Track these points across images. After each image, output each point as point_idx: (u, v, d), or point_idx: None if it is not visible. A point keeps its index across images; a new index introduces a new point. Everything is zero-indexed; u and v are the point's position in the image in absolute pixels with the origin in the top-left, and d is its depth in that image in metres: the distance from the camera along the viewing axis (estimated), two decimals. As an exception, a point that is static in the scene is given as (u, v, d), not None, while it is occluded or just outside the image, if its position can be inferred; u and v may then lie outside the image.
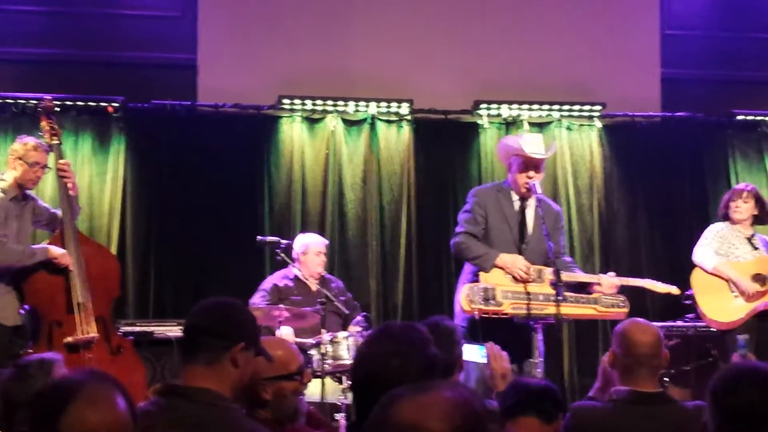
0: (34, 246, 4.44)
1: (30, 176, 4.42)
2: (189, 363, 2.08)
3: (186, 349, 2.11)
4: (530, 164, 4.46)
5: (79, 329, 4.29)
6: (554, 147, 4.97)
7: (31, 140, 4.47)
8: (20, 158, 4.38)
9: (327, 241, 5.48)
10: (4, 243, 4.25)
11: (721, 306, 4.94)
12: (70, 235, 4.43)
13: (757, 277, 4.95)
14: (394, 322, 2.23)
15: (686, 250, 6.24)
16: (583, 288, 4.53)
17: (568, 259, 4.76)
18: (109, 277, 4.60)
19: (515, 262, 4.38)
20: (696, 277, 5.06)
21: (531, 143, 4.52)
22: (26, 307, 4.40)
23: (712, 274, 4.99)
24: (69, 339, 4.26)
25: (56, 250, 4.37)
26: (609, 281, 4.49)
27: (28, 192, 4.52)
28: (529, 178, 4.45)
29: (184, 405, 2.00)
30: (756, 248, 5.04)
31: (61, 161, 4.55)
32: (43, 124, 4.61)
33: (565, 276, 4.47)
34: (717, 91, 6.77)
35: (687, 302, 5.06)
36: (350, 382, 2.21)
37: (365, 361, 2.09)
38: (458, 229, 4.57)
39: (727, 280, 4.95)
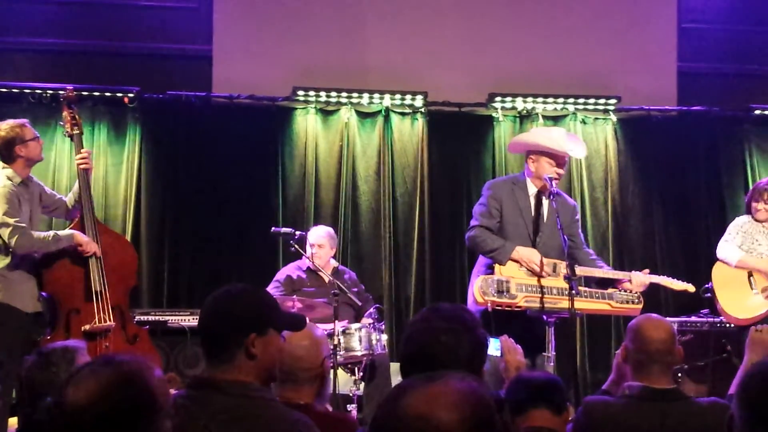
0: (59, 232, 4.47)
1: (37, 150, 4.42)
2: (210, 360, 2.10)
3: (204, 350, 2.13)
4: (562, 161, 4.53)
5: (97, 317, 4.33)
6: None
7: (10, 121, 4.42)
8: (21, 141, 4.34)
9: (325, 234, 5.38)
10: (27, 231, 4.28)
11: (739, 302, 4.92)
12: (90, 224, 4.46)
13: None
14: (442, 303, 2.21)
15: (702, 244, 6.23)
16: (611, 284, 4.52)
17: (590, 251, 4.75)
18: (126, 267, 4.63)
19: (531, 256, 4.38)
20: (717, 272, 5.03)
21: (573, 145, 4.60)
22: (44, 294, 4.43)
23: (737, 268, 4.95)
24: (86, 327, 4.30)
25: (82, 237, 4.39)
26: (640, 279, 4.47)
27: (34, 179, 4.54)
28: (559, 175, 4.49)
29: (218, 398, 2.00)
30: None
31: (83, 150, 4.57)
32: (65, 114, 4.64)
33: (596, 272, 4.48)
34: (734, 85, 6.73)
35: (706, 295, 5.01)
36: (399, 360, 2.17)
37: (415, 338, 2.07)
38: (473, 222, 4.57)
39: (751, 272, 4.92)
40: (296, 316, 2.36)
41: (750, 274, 4.95)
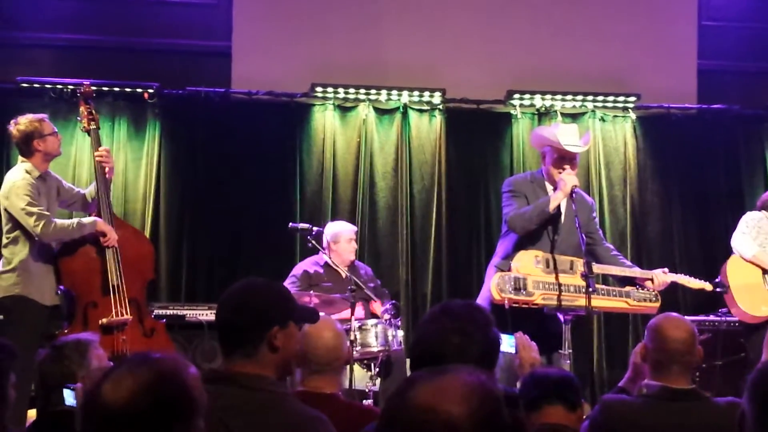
0: (82, 219, 4.49)
1: (56, 145, 4.46)
2: (228, 355, 2.08)
3: (222, 344, 2.11)
4: (566, 157, 4.41)
5: (114, 311, 4.35)
6: (589, 137, 4.88)
7: (29, 116, 4.46)
8: (40, 135, 4.39)
9: (356, 228, 5.52)
10: (51, 219, 4.31)
11: (753, 300, 4.88)
12: (107, 218, 4.49)
13: None
14: (454, 301, 2.14)
15: (720, 243, 6.17)
16: (631, 282, 4.49)
17: (610, 246, 4.70)
18: (143, 261, 4.65)
19: (564, 178, 4.30)
20: (731, 268, 4.99)
21: (567, 135, 4.44)
22: (62, 287, 4.47)
23: (750, 261, 4.93)
24: (104, 320, 4.32)
25: (105, 225, 4.42)
26: (662, 278, 4.44)
27: (52, 174, 4.58)
28: (563, 169, 4.40)
29: (236, 392, 1.99)
30: None
31: (100, 149, 4.60)
32: (82, 109, 4.67)
33: (616, 270, 4.45)
34: (754, 83, 6.67)
35: (719, 290, 4.95)
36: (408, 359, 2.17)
37: (424, 338, 2.04)
38: (506, 216, 4.50)
39: (763, 270, 4.89)
40: (309, 309, 2.37)
41: (765, 272, 4.93)
